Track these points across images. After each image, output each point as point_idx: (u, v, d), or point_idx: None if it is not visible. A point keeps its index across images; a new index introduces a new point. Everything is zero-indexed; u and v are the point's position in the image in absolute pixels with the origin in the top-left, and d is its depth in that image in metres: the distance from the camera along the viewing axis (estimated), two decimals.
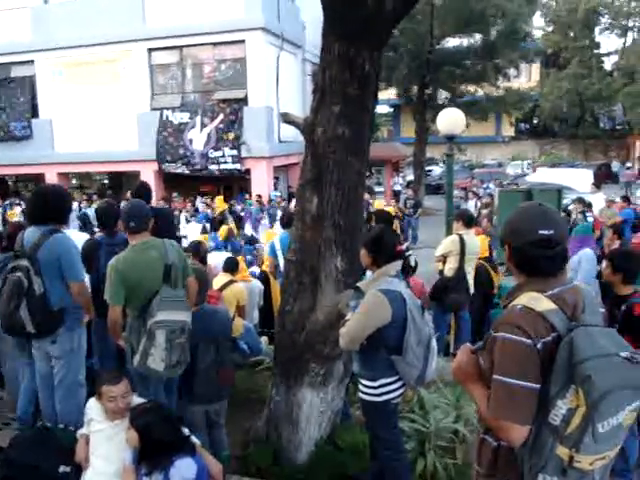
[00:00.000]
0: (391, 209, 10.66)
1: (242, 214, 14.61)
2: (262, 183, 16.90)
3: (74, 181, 21.96)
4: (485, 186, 23.23)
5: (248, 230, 13.49)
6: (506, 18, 20.80)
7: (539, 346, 1.87)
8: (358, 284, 3.42)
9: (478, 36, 22.10)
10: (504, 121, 34.75)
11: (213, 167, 16.90)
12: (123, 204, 5.52)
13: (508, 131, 42.22)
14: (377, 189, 22.45)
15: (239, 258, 6.99)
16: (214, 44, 17.07)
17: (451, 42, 22.82)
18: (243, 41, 16.68)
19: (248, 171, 17.06)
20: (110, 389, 3.24)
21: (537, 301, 1.93)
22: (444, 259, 6.60)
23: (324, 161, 3.89)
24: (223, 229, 10.83)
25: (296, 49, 19.60)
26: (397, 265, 3.35)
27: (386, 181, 23.35)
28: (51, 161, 18.70)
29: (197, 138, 16.99)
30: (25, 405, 4.29)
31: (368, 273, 3.98)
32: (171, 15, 16.98)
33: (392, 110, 42.34)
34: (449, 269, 6.51)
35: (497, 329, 1.97)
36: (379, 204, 13.63)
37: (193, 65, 17.59)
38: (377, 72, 3.90)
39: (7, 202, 18.21)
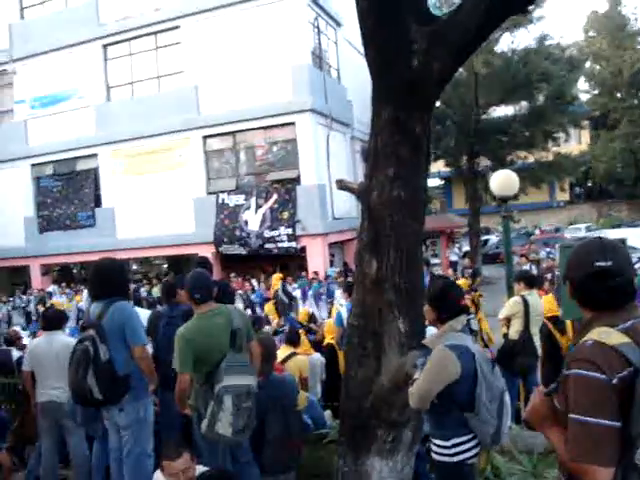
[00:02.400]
0: (463, 282, 10.40)
1: (297, 293, 14.61)
2: (318, 260, 17.02)
3: (134, 267, 22.61)
4: (548, 250, 22.79)
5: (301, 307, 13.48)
6: (552, 83, 20.91)
7: (615, 381, 1.79)
8: (424, 341, 3.36)
9: (524, 102, 22.23)
10: (558, 186, 34.40)
11: (269, 246, 17.16)
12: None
13: (563, 196, 41.67)
14: (433, 261, 22.29)
15: (300, 331, 6.97)
16: (265, 128, 17.69)
17: (497, 110, 22.99)
18: (293, 123, 17.23)
19: (304, 249, 17.24)
20: (171, 464, 3.21)
21: (608, 335, 1.86)
22: (508, 322, 6.43)
23: (381, 224, 3.92)
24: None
25: (344, 127, 20.13)
26: (462, 320, 3.29)
27: (442, 252, 23.15)
28: (113, 248, 19.32)
29: (252, 219, 17.37)
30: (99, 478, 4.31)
31: (430, 329, 3.92)
32: (223, 103, 17.80)
33: (443, 182, 42.54)
34: (514, 332, 6.32)
35: (569, 367, 1.90)
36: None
37: (246, 149, 18.22)
38: (428, 134, 3.96)
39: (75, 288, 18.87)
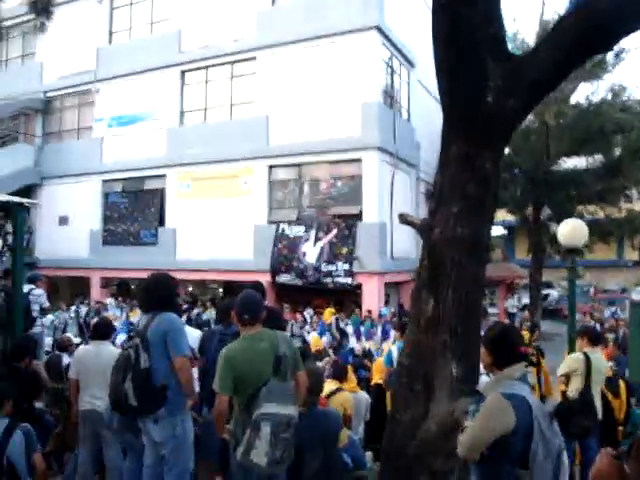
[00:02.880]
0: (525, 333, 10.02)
1: (348, 328, 14.44)
2: (373, 298, 16.81)
3: (190, 288, 22.87)
4: (613, 310, 21.92)
5: (353, 343, 13.28)
6: (629, 135, 20.28)
7: None
8: (478, 387, 3.18)
9: (598, 156, 21.62)
10: (627, 244, 33.17)
11: (326, 280, 17.07)
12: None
13: (632, 255, 40.17)
14: (491, 310, 21.74)
15: (348, 367, 6.81)
16: (331, 162, 17.76)
17: (568, 162, 22.45)
18: (359, 160, 17.24)
19: (359, 286, 17.08)
20: None
21: None
22: (567, 379, 6.10)
23: (441, 262, 3.80)
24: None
25: (410, 168, 20.05)
26: (521, 368, 3.08)
27: (500, 302, 22.58)
28: (172, 267, 19.56)
29: (311, 251, 17.36)
30: None
31: (483, 378, 3.72)
32: (292, 134, 17.99)
33: (506, 231, 41.74)
34: (573, 390, 5.99)
35: None
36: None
37: (310, 181, 18.31)
38: (497, 173, 3.84)
39: (129, 304, 19.19)
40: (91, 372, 5.50)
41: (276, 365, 3.64)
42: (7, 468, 3.73)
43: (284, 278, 17.72)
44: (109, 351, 5.56)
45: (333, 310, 14.29)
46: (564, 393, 6.15)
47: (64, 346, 8.12)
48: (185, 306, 16.51)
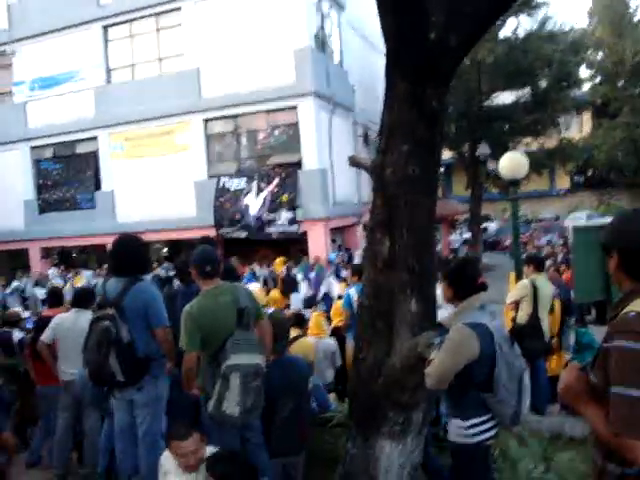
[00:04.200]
0: None
1: (298, 276, 14.54)
2: (320, 245, 16.93)
3: None
4: (548, 238, 22.75)
5: (303, 289, 13.41)
6: (555, 66, 20.76)
7: None
8: (440, 320, 3.28)
9: (527, 89, 22.06)
10: (558, 174, 34.25)
11: (270, 230, 17.06)
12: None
13: (563, 184, 41.50)
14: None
15: (318, 314, 6.88)
16: (267, 111, 17.54)
17: (500, 97, 22.82)
18: (295, 107, 17.09)
19: (305, 234, 17.15)
20: (179, 444, 3.14)
21: None
22: (516, 306, 6.35)
23: (394, 202, 3.83)
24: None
25: (347, 112, 19.97)
26: (481, 298, 3.20)
27: (443, 239, 23.11)
28: (113, 231, 19.06)
29: (253, 203, 17.26)
30: (106, 458, 4.25)
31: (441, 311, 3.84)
32: (225, 86, 17.63)
33: (443, 169, 42.33)
34: (522, 316, 6.25)
35: (611, 339, 1.82)
36: None
37: (247, 132, 18.09)
38: (444, 110, 3.87)
39: (72, 272, 18.81)
40: (70, 340, 5.39)
41: (239, 317, 3.66)
42: None
43: (228, 232, 17.61)
44: (88, 319, 5.46)
45: (284, 259, 14.32)
46: (514, 319, 6.40)
47: (13, 321, 7.91)
48: None
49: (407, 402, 3.84)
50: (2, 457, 3.88)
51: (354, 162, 4.21)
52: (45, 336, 5.67)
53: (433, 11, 3.54)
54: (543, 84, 21.90)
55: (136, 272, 4.11)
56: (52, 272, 19.62)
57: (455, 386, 3.07)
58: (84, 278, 16.89)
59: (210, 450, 3.25)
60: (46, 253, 21.85)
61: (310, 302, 11.96)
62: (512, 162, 7.46)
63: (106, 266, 18.41)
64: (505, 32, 22.24)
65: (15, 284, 17.30)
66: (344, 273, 13.97)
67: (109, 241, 15.39)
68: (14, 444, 4.08)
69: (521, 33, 21.73)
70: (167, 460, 3.29)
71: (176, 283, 5.32)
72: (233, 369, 3.49)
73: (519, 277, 7.06)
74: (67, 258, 22.23)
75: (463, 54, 3.73)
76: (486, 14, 3.55)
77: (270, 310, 5.58)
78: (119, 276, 4.08)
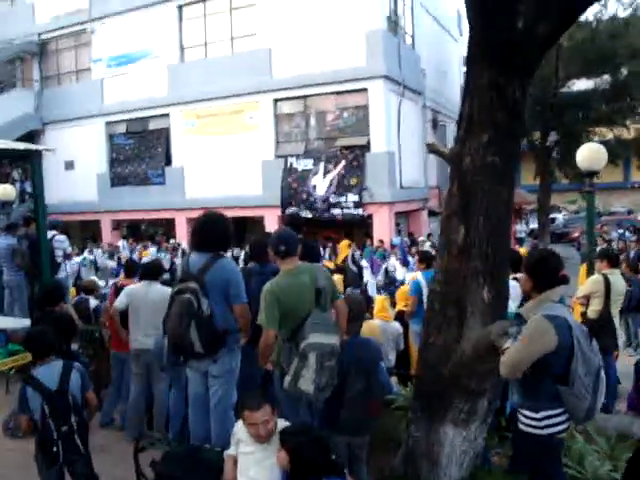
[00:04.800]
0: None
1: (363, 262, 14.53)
2: (384, 228, 16.92)
3: None
4: (621, 232, 22.02)
5: (367, 275, 13.40)
6: (638, 58, 19.88)
7: None
8: (519, 311, 3.29)
9: (605, 77, 21.24)
10: (633, 166, 32.92)
11: (335, 212, 17.13)
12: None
13: (638, 176, 39.92)
14: None
15: (382, 298, 6.92)
16: (337, 93, 17.53)
17: (577, 84, 22.07)
18: (365, 89, 17.02)
19: (370, 217, 17.16)
20: (251, 415, 3.22)
21: None
22: (587, 301, 6.23)
23: (472, 190, 3.84)
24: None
25: (416, 96, 19.76)
26: (561, 291, 3.19)
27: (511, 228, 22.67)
28: (181, 207, 19.76)
29: (320, 184, 17.35)
30: (177, 425, 4.43)
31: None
32: (296, 67, 17.71)
33: None
34: (593, 311, 6.13)
35: None
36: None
37: (316, 113, 18.13)
38: (525, 100, 3.83)
39: (140, 245, 19.39)
40: (141, 310, 5.65)
41: (317, 297, 3.75)
42: (73, 404, 3.92)
43: (294, 211, 17.77)
44: (159, 290, 5.68)
45: (348, 242, 14.34)
46: (583, 314, 6.29)
47: (89, 289, 8.27)
48: None
49: (474, 389, 3.88)
50: (86, 412, 4.14)
51: (432, 149, 4.22)
52: (118, 302, 5.91)
53: (522, 0, 3.51)
54: (624, 72, 21.00)
55: (219, 249, 4.23)
56: (122, 244, 20.29)
57: (530, 377, 3.08)
58: (150, 251, 17.41)
59: (281, 423, 3.36)
60: (116, 225, 22.62)
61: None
62: (591, 152, 7.25)
63: (172, 241, 19.01)
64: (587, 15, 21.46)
65: (88, 255, 17.96)
66: (409, 258, 13.92)
67: (177, 216, 15.95)
68: (96, 403, 4.32)
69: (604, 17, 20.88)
70: (240, 429, 3.40)
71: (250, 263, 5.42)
72: (311, 348, 3.59)
73: (591, 271, 6.91)
74: (136, 231, 22.95)
75: (551, 44, 3.68)
76: (578, 3, 3.49)
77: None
78: (202, 252, 4.20)
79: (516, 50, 3.58)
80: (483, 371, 3.77)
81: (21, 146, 6.93)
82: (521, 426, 3.26)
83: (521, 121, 3.84)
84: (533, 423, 3.18)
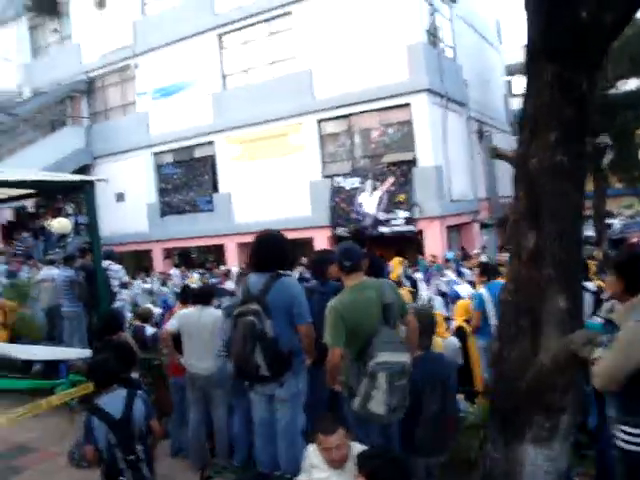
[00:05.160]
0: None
1: (417, 276, 14.24)
2: (436, 243, 16.63)
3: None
4: None
5: (422, 289, 13.12)
6: None
7: None
8: (609, 315, 3.06)
9: None
10: None
11: (385, 229, 16.95)
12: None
13: None
14: None
15: (436, 313, 6.72)
16: (380, 110, 17.41)
17: (629, 83, 21.42)
18: (409, 104, 16.86)
19: (420, 232, 16.91)
20: (326, 439, 3.12)
21: None
22: None
23: (540, 193, 3.64)
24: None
25: (460, 108, 19.50)
26: None
27: None
28: (231, 232, 19.89)
29: (368, 202, 17.22)
30: (243, 452, 4.31)
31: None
32: (337, 86, 17.70)
33: None
34: None
35: None
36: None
37: (361, 131, 18.04)
38: (593, 94, 3.63)
39: (192, 272, 19.52)
40: (194, 335, 5.62)
41: (385, 313, 3.59)
42: (138, 432, 3.86)
43: (344, 231, 17.64)
44: (212, 314, 5.66)
45: (401, 259, 14.07)
46: None
47: (145, 317, 8.30)
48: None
49: (555, 404, 3.64)
50: (150, 440, 4.07)
51: (496, 153, 4.09)
52: (169, 325, 5.92)
53: None
54: None
55: (279, 268, 4.12)
56: (174, 272, 20.48)
57: (629, 388, 2.82)
58: (195, 277, 17.50)
59: (354, 447, 3.21)
60: (167, 254, 22.90)
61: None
62: None
63: (223, 267, 19.07)
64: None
65: (144, 286, 18.15)
66: (465, 271, 13.60)
67: (227, 241, 15.96)
68: (160, 431, 4.25)
69: None
70: (313, 454, 3.28)
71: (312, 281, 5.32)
72: (380, 367, 3.43)
73: None
74: (187, 259, 23.19)
75: (617, 33, 3.48)
76: None
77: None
78: (261, 272, 4.10)
79: (582, 41, 3.39)
80: (564, 384, 3.54)
81: (76, 178, 7.03)
82: (621, 444, 2.99)
83: (589, 117, 3.64)
84: (635, 440, 2.91)
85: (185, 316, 5.87)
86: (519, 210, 3.83)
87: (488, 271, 6.87)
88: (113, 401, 3.92)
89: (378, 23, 16.92)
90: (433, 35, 17.97)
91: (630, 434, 2.93)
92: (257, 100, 19.14)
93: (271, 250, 4.15)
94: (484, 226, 20.96)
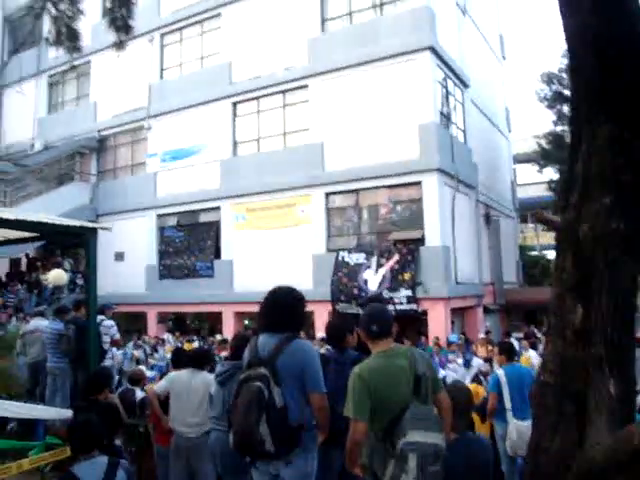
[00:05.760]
0: None
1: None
2: (439, 325, 16.13)
3: (246, 322, 22.49)
4: None
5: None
6: None
7: None
8: None
9: None
10: None
11: (388, 307, 16.44)
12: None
13: None
14: None
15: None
16: (389, 187, 17.33)
17: None
18: (419, 183, 16.76)
19: (425, 313, 16.44)
20: None
21: None
22: None
23: (593, 263, 3.28)
24: None
25: (469, 190, 19.46)
26: None
27: None
28: (229, 300, 19.42)
29: (372, 278, 16.83)
30: None
31: None
32: (348, 160, 17.67)
33: None
34: None
35: None
36: None
37: (369, 207, 17.90)
38: None
39: (187, 338, 18.90)
40: (184, 398, 5.34)
41: (416, 386, 3.12)
42: None
43: (345, 307, 17.16)
44: (204, 378, 5.38)
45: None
46: None
47: (136, 379, 7.77)
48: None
49: None
50: None
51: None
52: (158, 386, 5.68)
53: None
54: None
55: (292, 328, 3.71)
56: (168, 337, 19.87)
57: None
58: (194, 345, 16.87)
59: None
60: (162, 318, 22.33)
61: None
62: None
63: (219, 336, 18.47)
64: None
65: (131, 351, 17.49)
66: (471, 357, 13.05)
67: (225, 309, 15.41)
68: None
69: None
70: None
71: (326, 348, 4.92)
72: (411, 448, 2.92)
73: None
74: (181, 324, 22.61)
75: None
76: None
77: None
78: (273, 332, 3.68)
79: None
80: None
81: (78, 223, 6.68)
82: None
83: None
84: None
85: (176, 378, 5.58)
86: (565, 282, 3.46)
87: (508, 351, 6.43)
88: (92, 470, 3.41)
89: (392, 101, 17.10)
90: (445, 117, 18.10)
91: None
92: (266, 169, 19.13)
93: (285, 307, 3.77)
94: (487, 311, 20.53)
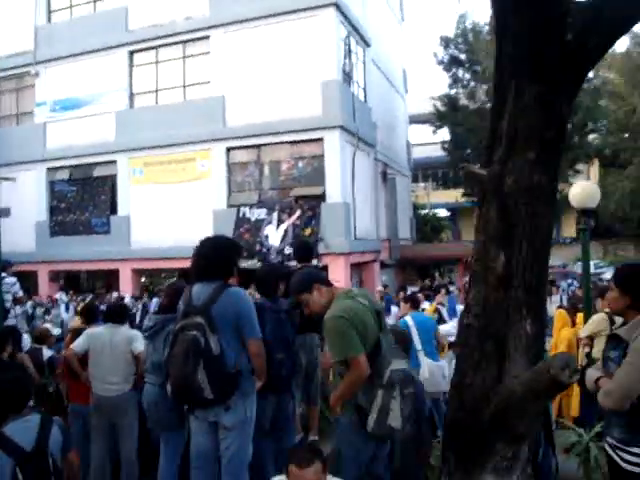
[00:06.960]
0: None
1: None
2: (340, 279, 16.52)
3: (143, 279, 22.04)
4: (569, 282, 22.67)
5: None
6: (579, 112, 20.68)
7: None
8: (617, 331, 2.97)
9: None
10: (564, 222, 34.12)
11: (290, 263, 16.68)
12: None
13: (569, 232, 41.37)
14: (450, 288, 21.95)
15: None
16: (291, 142, 17.37)
17: None
18: (321, 139, 16.92)
19: (325, 267, 16.79)
20: (299, 472, 2.73)
21: None
22: (591, 341, 6.02)
23: (515, 213, 3.57)
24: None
25: (369, 148, 19.86)
26: None
27: (458, 279, 22.86)
28: (126, 257, 18.95)
29: (273, 234, 16.96)
30: None
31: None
32: (250, 115, 17.51)
33: (449, 214, 42.27)
34: (598, 351, 5.89)
35: None
36: None
37: (270, 163, 17.89)
38: (570, 115, 3.65)
39: (81, 297, 18.33)
40: (105, 357, 5.11)
41: (378, 320, 3.33)
42: (53, 465, 3.22)
43: (247, 263, 17.22)
44: (124, 334, 5.24)
45: None
46: (588, 354, 6.06)
47: (42, 338, 7.51)
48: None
49: (522, 432, 3.51)
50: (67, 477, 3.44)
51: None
52: (76, 345, 5.34)
53: (572, 11, 3.35)
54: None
55: (226, 275, 3.74)
56: (60, 296, 19.15)
57: (637, 408, 2.72)
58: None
59: None
60: (55, 276, 21.42)
61: None
62: (584, 190, 7.22)
63: (115, 294, 18.02)
64: None
65: (20, 309, 16.74)
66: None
67: (122, 266, 15.01)
68: (78, 467, 3.61)
69: None
70: None
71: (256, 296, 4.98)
72: (396, 376, 3.16)
73: (588, 313, 6.72)
74: (75, 282, 21.81)
75: (599, 57, 3.52)
76: (631, 17, 3.35)
77: None
78: (206, 281, 3.70)
79: (565, 63, 3.38)
80: (536, 410, 3.42)
81: None
82: (625, 465, 2.87)
83: (564, 136, 3.65)
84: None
85: (94, 335, 5.33)
86: (488, 231, 3.73)
87: (413, 300, 6.94)
88: (24, 428, 3.19)
89: (294, 57, 17.03)
90: (347, 74, 18.25)
91: (636, 454, 2.82)
92: (165, 122, 18.55)
93: (218, 255, 3.77)
94: (384, 266, 21.26)
